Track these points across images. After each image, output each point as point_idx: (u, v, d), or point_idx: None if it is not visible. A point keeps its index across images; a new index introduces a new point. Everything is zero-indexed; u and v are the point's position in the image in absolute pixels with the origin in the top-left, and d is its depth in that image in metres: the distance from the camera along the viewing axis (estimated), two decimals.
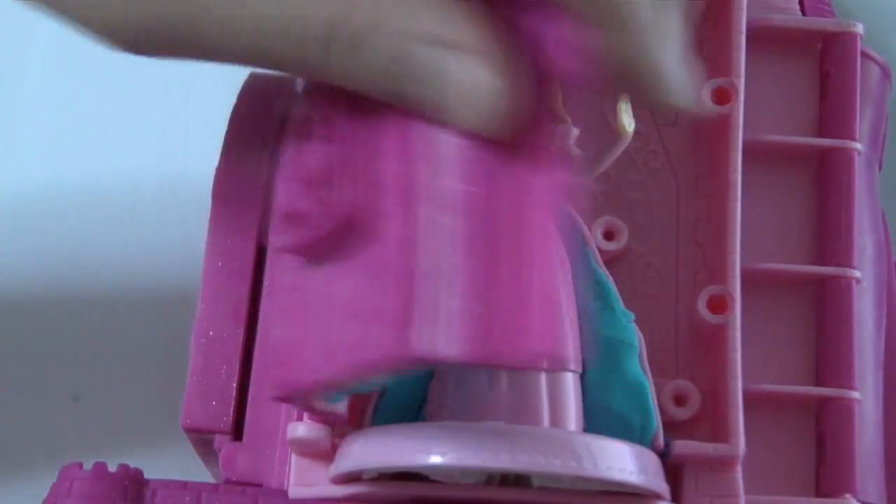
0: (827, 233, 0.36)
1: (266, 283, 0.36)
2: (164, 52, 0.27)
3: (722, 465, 0.33)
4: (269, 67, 0.27)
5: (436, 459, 0.30)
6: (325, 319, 0.27)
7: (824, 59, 0.38)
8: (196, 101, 0.45)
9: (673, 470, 0.33)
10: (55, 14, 0.27)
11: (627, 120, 0.31)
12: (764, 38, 0.37)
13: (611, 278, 0.33)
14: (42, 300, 0.45)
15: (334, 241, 0.27)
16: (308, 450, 0.33)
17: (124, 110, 0.48)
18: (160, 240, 0.45)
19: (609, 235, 0.35)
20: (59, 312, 0.45)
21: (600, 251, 0.34)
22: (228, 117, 0.37)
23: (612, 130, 0.31)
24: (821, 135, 0.37)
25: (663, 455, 0.32)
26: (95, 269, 0.45)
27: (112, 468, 0.33)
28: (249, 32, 0.26)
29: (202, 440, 0.35)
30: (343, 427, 0.32)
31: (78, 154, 0.46)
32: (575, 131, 0.32)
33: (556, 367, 0.32)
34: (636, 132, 0.31)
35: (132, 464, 0.34)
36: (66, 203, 0.46)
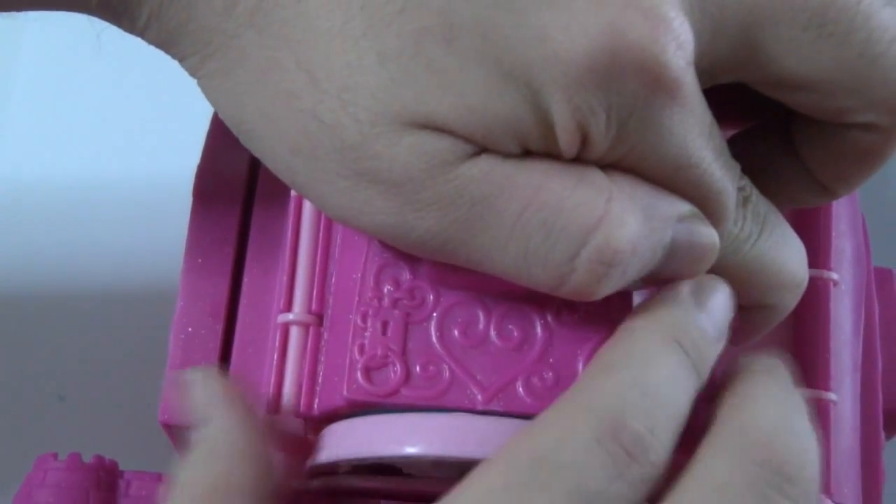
0: (804, 234, 0.36)
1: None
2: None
3: None
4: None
5: (410, 450, 0.30)
6: None
7: None
8: (181, 101, 0.45)
9: None
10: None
11: None
12: None
13: None
14: (25, 300, 0.45)
15: None
16: (283, 444, 0.33)
17: (110, 109, 0.48)
18: (140, 239, 0.45)
19: None
20: (43, 310, 0.45)
21: None
22: (211, 117, 0.37)
23: None
24: None
25: None
26: (77, 267, 0.45)
27: (87, 459, 0.33)
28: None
29: (179, 434, 0.35)
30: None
31: (61, 155, 0.46)
32: None
33: None
34: None
35: (108, 457, 0.34)
36: (49, 204, 0.46)
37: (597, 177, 0.29)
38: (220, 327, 0.36)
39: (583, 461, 0.27)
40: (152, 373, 0.40)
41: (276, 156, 0.31)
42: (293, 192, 0.35)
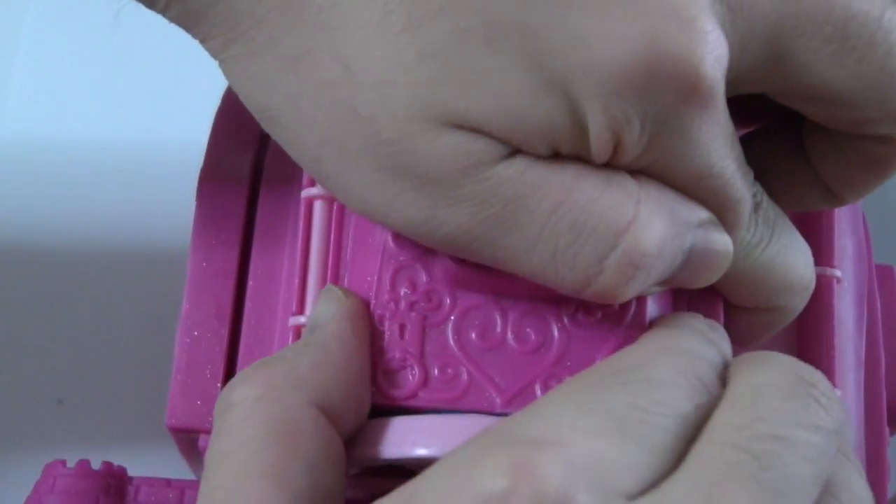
0: (807, 233, 0.36)
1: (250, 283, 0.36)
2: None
3: None
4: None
5: (421, 451, 0.30)
6: None
7: None
8: (187, 69, 0.45)
9: None
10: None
11: None
12: None
13: None
14: (23, 298, 0.45)
15: None
16: None
17: (117, 76, 0.48)
18: (144, 240, 0.45)
19: None
20: (42, 313, 0.44)
21: None
22: (213, 118, 0.37)
23: None
24: None
25: None
26: (78, 268, 0.45)
27: (96, 466, 0.33)
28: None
29: (187, 439, 0.35)
30: None
31: (60, 151, 0.46)
32: None
33: None
34: None
35: (116, 463, 0.34)
36: (48, 202, 0.46)
37: (626, 180, 0.29)
38: (225, 330, 0.36)
39: (666, 377, 0.27)
40: (153, 375, 0.40)
41: (302, 145, 0.30)
42: (302, 194, 0.35)
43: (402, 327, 0.31)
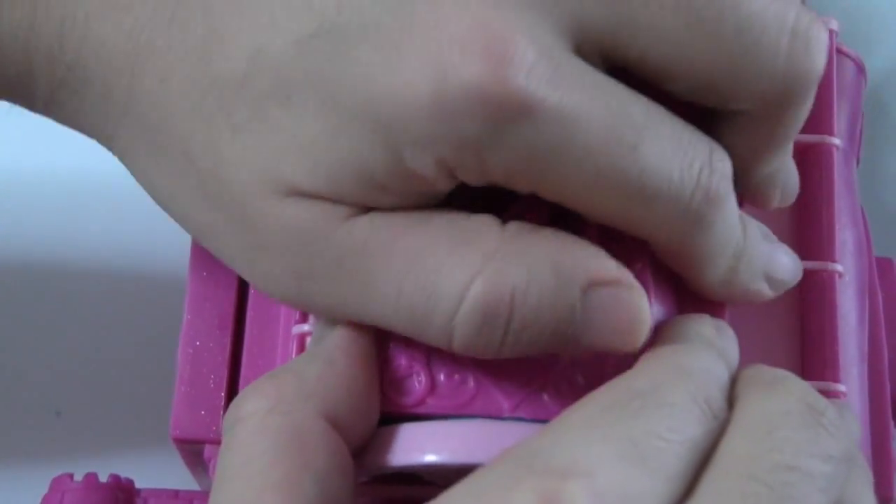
0: (808, 228, 0.36)
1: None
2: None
3: None
4: None
5: (430, 458, 0.30)
6: None
7: None
8: None
9: None
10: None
11: None
12: None
13: None
14: (25, 312, 0.44)
15: None
16: None
17: None
18: (144, 250, 0.45)
19: None
20: (42, 323, 0.44)
21: None
22: None
23: None
24: (799, 131, 0.37)
25: None
26: (79, 279, 0.45)
27: (103, 479, 0.33)
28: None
29: (191, 450, 0.35)
30: None
31: (59, 153, 0.46)
32: None
33: None
34: None
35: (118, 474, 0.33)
36: (47, 210, 0.46)
37: (487, 237, 0.29)
38: (228, 340, 0.36)
39: (679, 402, 0.27)
40: (155, 386, 0.40)
41: (192, 232, 0.31)
42: None
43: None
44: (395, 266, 0.29)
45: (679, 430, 0.26)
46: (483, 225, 0.29)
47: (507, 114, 0.27)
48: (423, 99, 0.27)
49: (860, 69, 0.39)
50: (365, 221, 0.29)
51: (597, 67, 0.29)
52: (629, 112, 0.28)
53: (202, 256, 0.36)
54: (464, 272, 0.28)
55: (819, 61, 0.30)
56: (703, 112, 0.30)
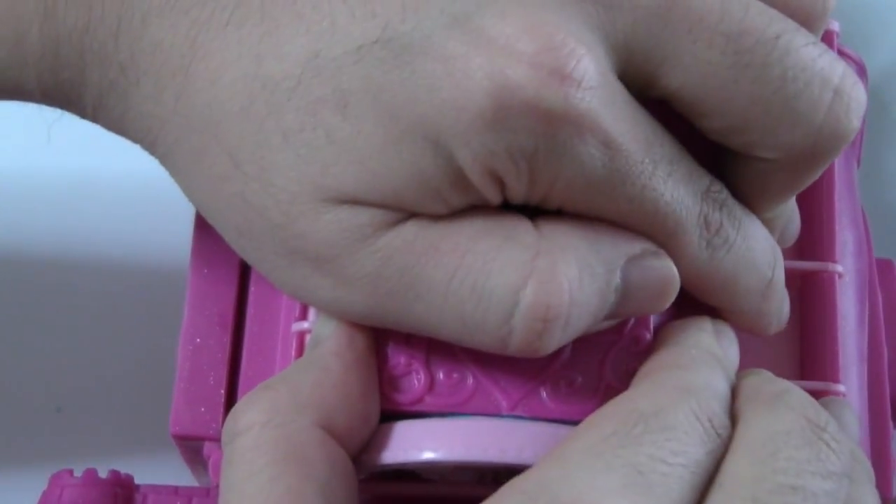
0: (809, 228, 0.36)
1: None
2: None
3: None
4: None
5: (429, 455, 0.30)
6: None
7: None
8: None
9: None
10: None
11: None
12: None
13: None
14: (22, 310, 0.44)
15: None
16: None
17: None
18: (144, 247, 0.45)
19: None
20: (42, 320, 0.44)
21: None
22: None
23: None
24: None
25: None
26: (79, 275, 0.45)
27: (102, 474, 0.33)
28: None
29: (190, 447, 0.35)
30: None
31: (59, 155, 0.46)
32: None
33: None
34: None
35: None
36: (48, 206, 0.46)
37: (525, 234, 0.29)
38: (228, 337, 0.36)
39: (682, 424, 0.27)
40: (155, 383, 0.40)
41: (226, 236, 0.31)
42: None
43: (407, 332, 0.31)
44: (441, 266, 0.29)
45: (682, 452, 0.26)
46: (516, 221, 0.29)
47: (564, 129, 0.27)
48: (486, 111, 0.27)
49: (860, 69, 0.39)
50: (413, 224, 0.29)
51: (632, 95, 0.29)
52: (661, 143, 0.29)
53: (203, 254, 0.36)
54: (514, 273, 0.28)
55: (855, 125, 0.30)
56: (717, 148, 0.31)
